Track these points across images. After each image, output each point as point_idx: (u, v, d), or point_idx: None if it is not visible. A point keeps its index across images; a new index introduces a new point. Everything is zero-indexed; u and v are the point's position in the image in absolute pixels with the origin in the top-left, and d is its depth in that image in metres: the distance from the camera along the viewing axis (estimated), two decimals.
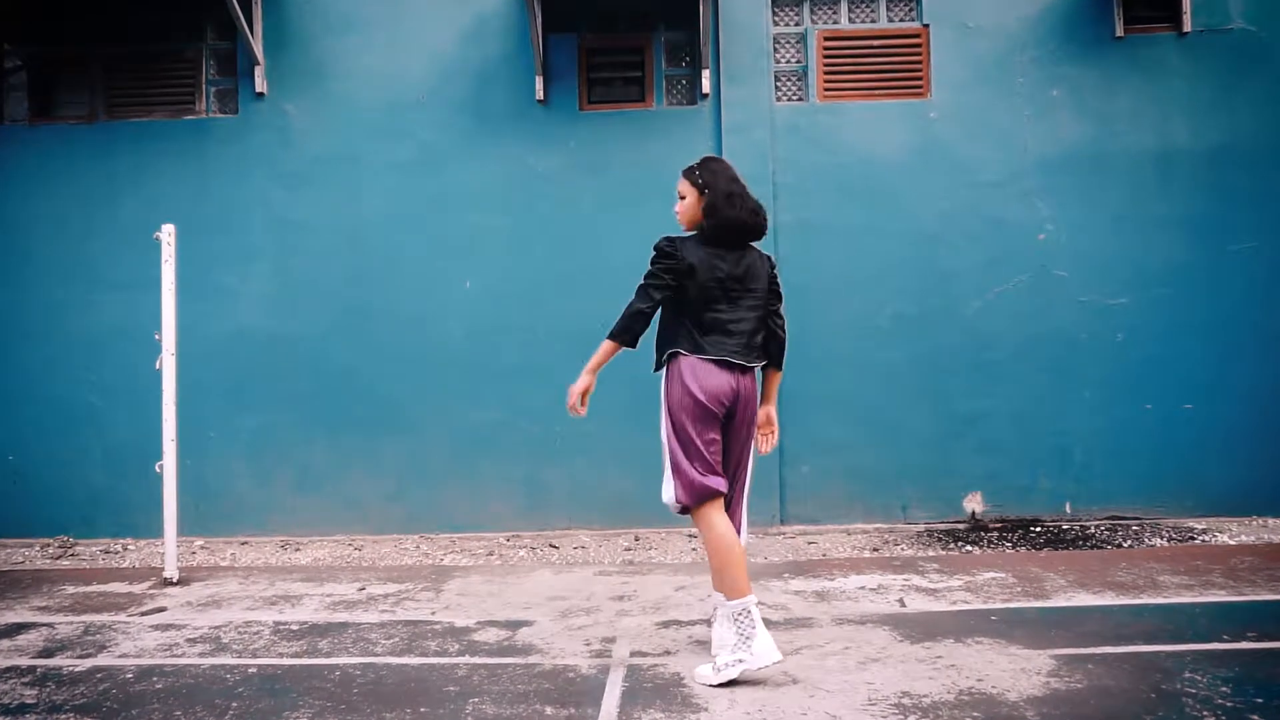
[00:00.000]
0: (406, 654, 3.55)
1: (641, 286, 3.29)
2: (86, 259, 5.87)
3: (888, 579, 4.45)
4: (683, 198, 3.38)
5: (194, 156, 5.89)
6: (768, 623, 3.60)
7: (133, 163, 5.89)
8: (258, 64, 5.82)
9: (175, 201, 5.83)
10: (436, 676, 3.28)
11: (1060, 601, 3.99)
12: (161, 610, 4.24)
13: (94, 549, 5.69)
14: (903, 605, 4.01)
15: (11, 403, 5.87)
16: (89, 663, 3.52)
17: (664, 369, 3.37)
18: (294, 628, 3.93)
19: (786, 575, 4.57)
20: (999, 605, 3.95)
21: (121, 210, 5.82)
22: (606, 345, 3.32)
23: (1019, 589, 4.20)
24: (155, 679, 3.31)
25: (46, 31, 5.98)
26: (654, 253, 3.30)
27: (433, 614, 4.09)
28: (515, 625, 3.90)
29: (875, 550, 5.23)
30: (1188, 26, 5.62)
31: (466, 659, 3.47)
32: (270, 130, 5.88)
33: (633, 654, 3.48)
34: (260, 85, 5.85)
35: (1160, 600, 3.95)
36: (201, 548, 5.66)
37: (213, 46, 6.00)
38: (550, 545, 5.52)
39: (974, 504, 5.72)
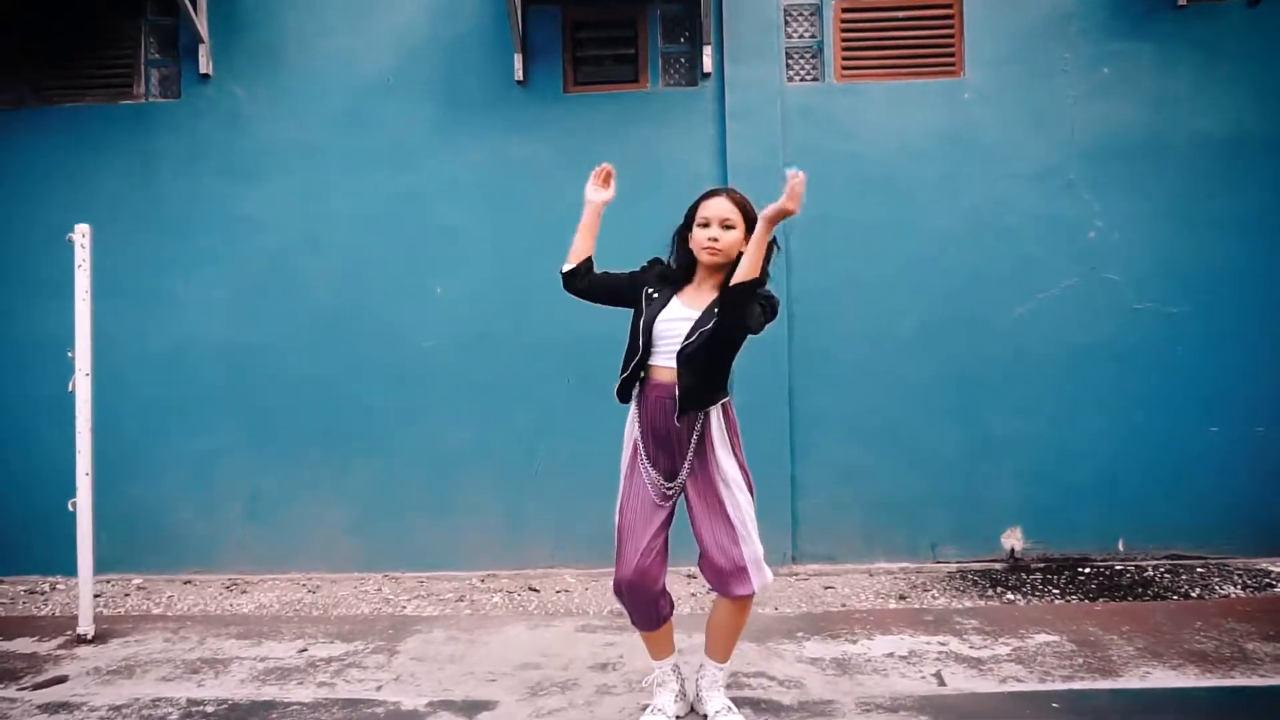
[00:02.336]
0: None
1: (759, 316, 2.79)
2: (13, 260, 5.21)
3: (920, 642, 3.76)
4: (730, 227, 2.82)
5: (133, 146, 5.22)
6: (776, 706, 2.97)
7: (64, 153, 5.22)
8: (202, 42, 5.15)
9: (112, 196, 5.19)
10: None
11: (1133, 680, 3.30)
12: (61, 681, 3.59)
13: (18, 588, 5.05)
14: (941, 683, 3.33)
15: None
16: None
17: (711, 416, 2.88)
18: (209, 710, 3.27)
19: (801, 634, 3.89)
20: (1060, 686, 3.26)
21: (51, 207, 5.15)
22: (754, 260, 2.66)
23: (1080, 660, 3.51)
24: None
25: None
26: (773, 309, 2.82)
27: (378, 689, 3.43)
28: (474, 709, 3.23)
29: (903, 598, 4.54)
30: None
31: None
32: (218, 116, 5.21)
33: None
34: (205, 66, 5.18)
35: (1258, 681, 3.25)
36: (139, 588, 5.01)
37: (153, 22, 5.33)
38: (530, 589, 4.85)
39: (1013, 540, 5.02)
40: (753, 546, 2.84)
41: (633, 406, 2.99)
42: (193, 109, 5.22)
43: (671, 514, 2.95)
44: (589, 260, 3.07)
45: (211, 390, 5.18)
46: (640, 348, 2.87)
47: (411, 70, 5.17)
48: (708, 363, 2.80)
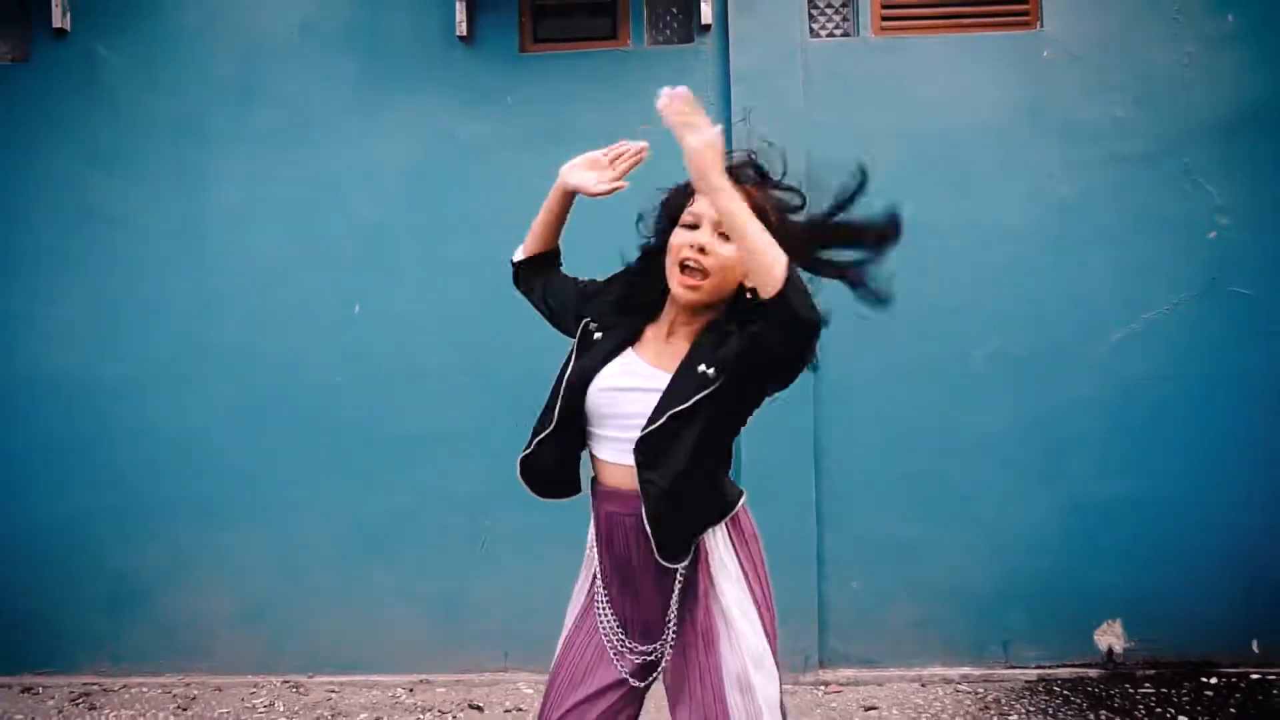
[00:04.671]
0: None
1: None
2: None
3: None
4: (729, 237, 1.67)
5: None
6: None
7: None
8: None
9: None
10: None
11: None
12: None
13: None
14: None
15: None
16: None
17: (718, 531, 1.71)
18: None
19: None
20: None
21: None
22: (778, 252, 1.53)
23: None
24: None
25: None
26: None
27: None
28: None
29: None
30: None
31: None
32: (74, 83, 4.04)
33: None
34: (60, 19, 3.99)
35: None
36: None
37: None
38: (471, 705, 3.64)
39: (1111, 638, 3.80)
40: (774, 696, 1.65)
41: (590, 508, 1.81)
42: (44, 74, 4.05)
43: (638, 699, 1.77)
44: (555, 252, 1.97)
45: (65, 438, 4.00)
46: (556, 418, 1.72)
47: (323, 23, 4.00)
48: (692, 462, 1.60)
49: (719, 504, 1.70)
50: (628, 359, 1.73)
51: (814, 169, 3.84)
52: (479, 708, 3.62)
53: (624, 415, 1.67)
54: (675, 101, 1.50)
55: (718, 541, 1.69)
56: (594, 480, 1.80)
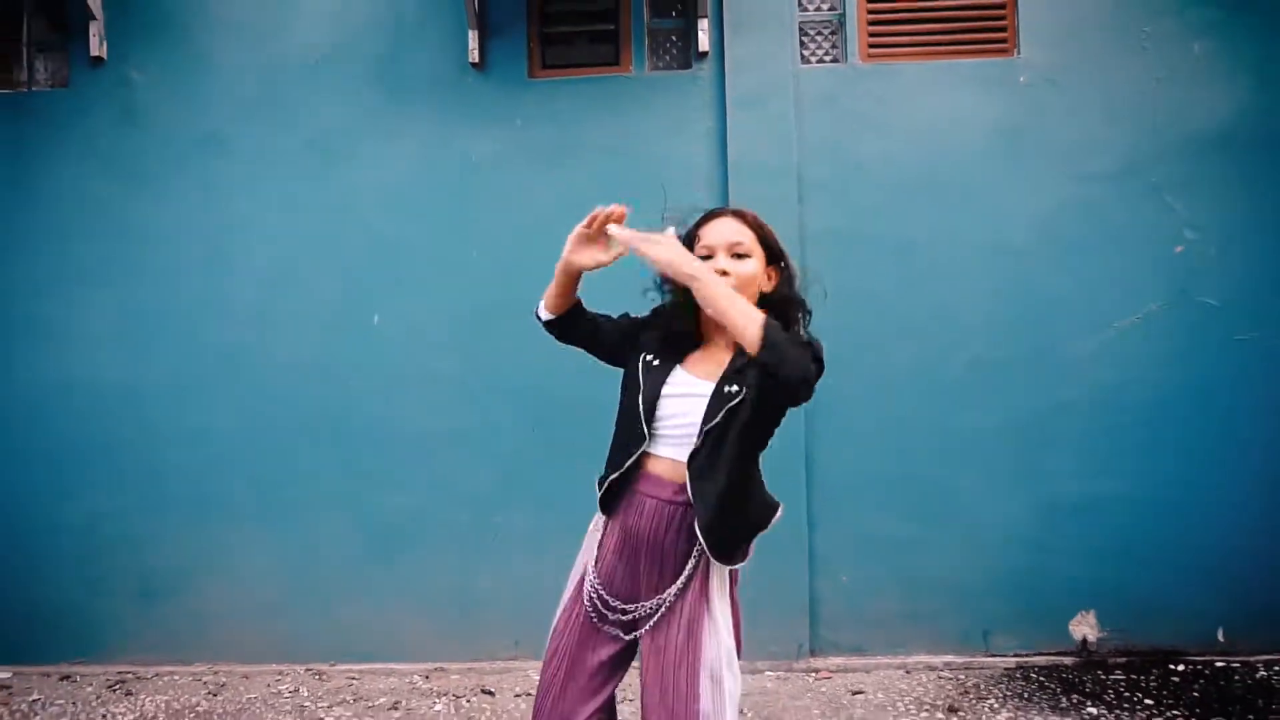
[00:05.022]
0: None
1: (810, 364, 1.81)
2: None
3: None
4: (742, 255, 1.95)
5: (11, 142, 4.31)
6: None
7: None
8: (94, 19, 4.24)
9: None
10: None
11: None
12: None
13: None
14: None
15: None
16: None
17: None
18: None
19: None
20: None
21: None
22: (738, 303, 1.79)
23: None
24: None
25: None
26: (817, 356, 1.86)
27: None
28: None
29: (954, 711, 3.55)
30: None
31: None
32: (110, 107, 4.29)
33: None
34: (97, 48, 4.26)
35: None
36: (2, 686, 4.05)
37: None
38: (483, 690, 3.88)
39: (1085, 628, 4.03)
40: None
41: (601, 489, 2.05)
42: (82, 99, 4.31)
43: (618, 665, 2.00)
44: (578, 306, 2.12)
45: (98, 441, 4.24)
46: (643, 435, 1.94)
47: (343, 50, 4.25)
48: (739, 454, 1.86)
49: (762, 511, 1.95)
50: (678, 376, 1.95)
51: (805, 187, 4.11)
52: (491, 693, 3.85)
53: (671, 416, 1.91)
54: (622, 233, 1.80)
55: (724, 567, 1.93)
56: (637, 472, 1.97)
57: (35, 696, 3.92)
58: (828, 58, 4.25)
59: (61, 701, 3.87)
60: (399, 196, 4.22)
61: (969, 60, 4.15)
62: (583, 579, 2.03)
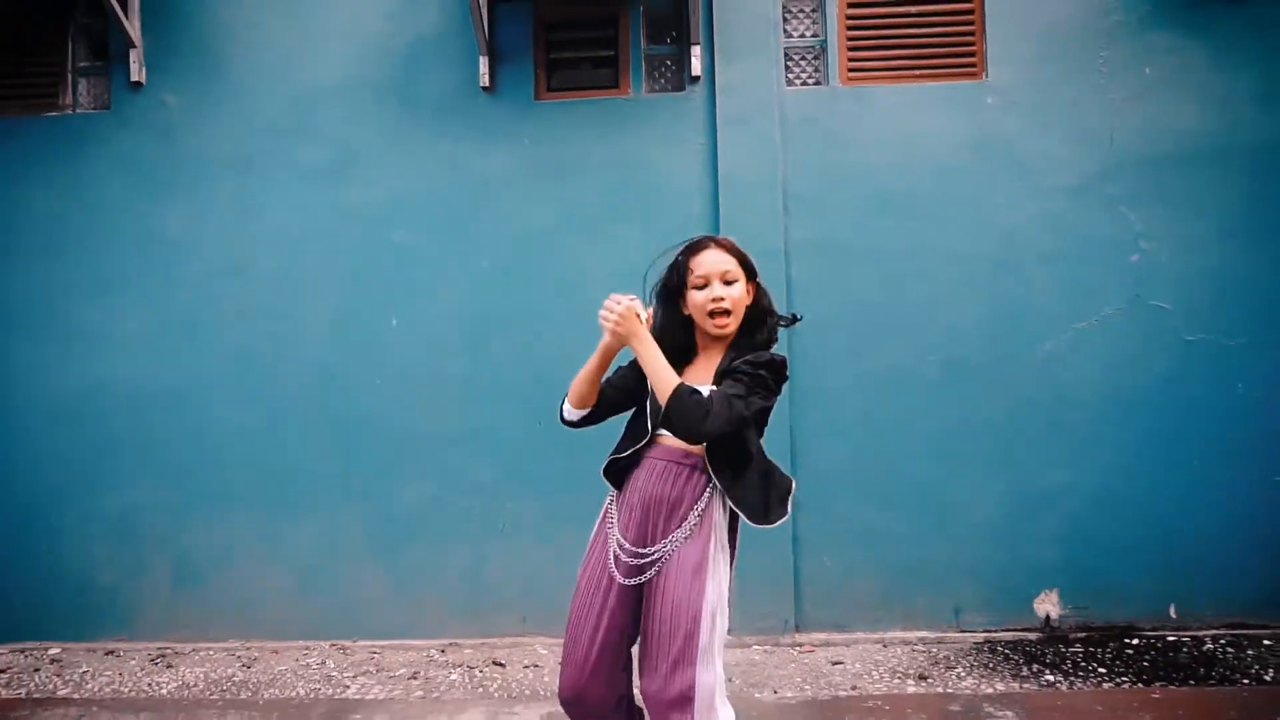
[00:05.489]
0: None
1: (753, 388, 2.21)
2: None
3: None
4: (731, 281, 2.34)
5: (53, 162, 4.67)
6: None
7: None
8: (133, 47, 4.61)
9: (22, 217, 4.66)
10: None
11: None
12: None
13: None
14: None
15: None
16: None
17: (716, 513, 2.33)
18: None
19: None
20: None
21: None
22: (664, 376, 2.21)
23: None
24: None
25: None
26: (777, 373, 2.26)
27: None
28: None
29: (923, 678, 3.90)
30: None
31: None
32: (146, 128, 4.66)
33: None
34: (136, 73, 4.63)
35: None
36: (53, 659, 4.41)
37: (82, 26, 4.80)
38: (494, 663, 4.23)
39: (1049, 606, 4.37)
40: (712, 675, 2.21)
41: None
42: (121, 120, 4.68)
43: (633, 612, 2.34)
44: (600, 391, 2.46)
45: (134, 437, 4.60)
46: (648, 430, 2.34)
47: (362, 74, 4.61)
48: (740, 456, 2.29)
49: (780, 482, 2.33)
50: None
51: (789, 200, 4.45)
52: (501, 664, 4.20)
53: None
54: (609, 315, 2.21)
55: (723, 512, 2.29)
56: (647, 443, 2.35)
57: (84, 669, 4.28)
58: (810, 81, 4.60)
59: (109, 673, 4.23)
60: (414, 209, 4.57)
61: (940, 83, 4.50)
62: (599, 541, 2.39)
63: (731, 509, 2.30)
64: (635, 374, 2.43)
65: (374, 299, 4.57)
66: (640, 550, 2.29)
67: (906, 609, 4.40)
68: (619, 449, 2.39)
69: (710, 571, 2.24)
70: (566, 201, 4.51)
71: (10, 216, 4.62)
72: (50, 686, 4.09)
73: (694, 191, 4.46)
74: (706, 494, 2.27)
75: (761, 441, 2.36)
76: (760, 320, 2.37)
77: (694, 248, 2.36)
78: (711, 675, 2.18)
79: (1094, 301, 4.38)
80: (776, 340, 2.38)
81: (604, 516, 2.42)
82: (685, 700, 2.16)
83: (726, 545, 2.32)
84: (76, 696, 3.96)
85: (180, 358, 4.59)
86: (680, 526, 2.26)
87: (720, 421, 2.11)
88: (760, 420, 2.35)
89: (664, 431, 2.31)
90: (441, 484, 4.51)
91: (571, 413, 2.44)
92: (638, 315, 2.22)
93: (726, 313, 2.29)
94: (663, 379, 2.18)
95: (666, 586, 2.24)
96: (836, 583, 4.42)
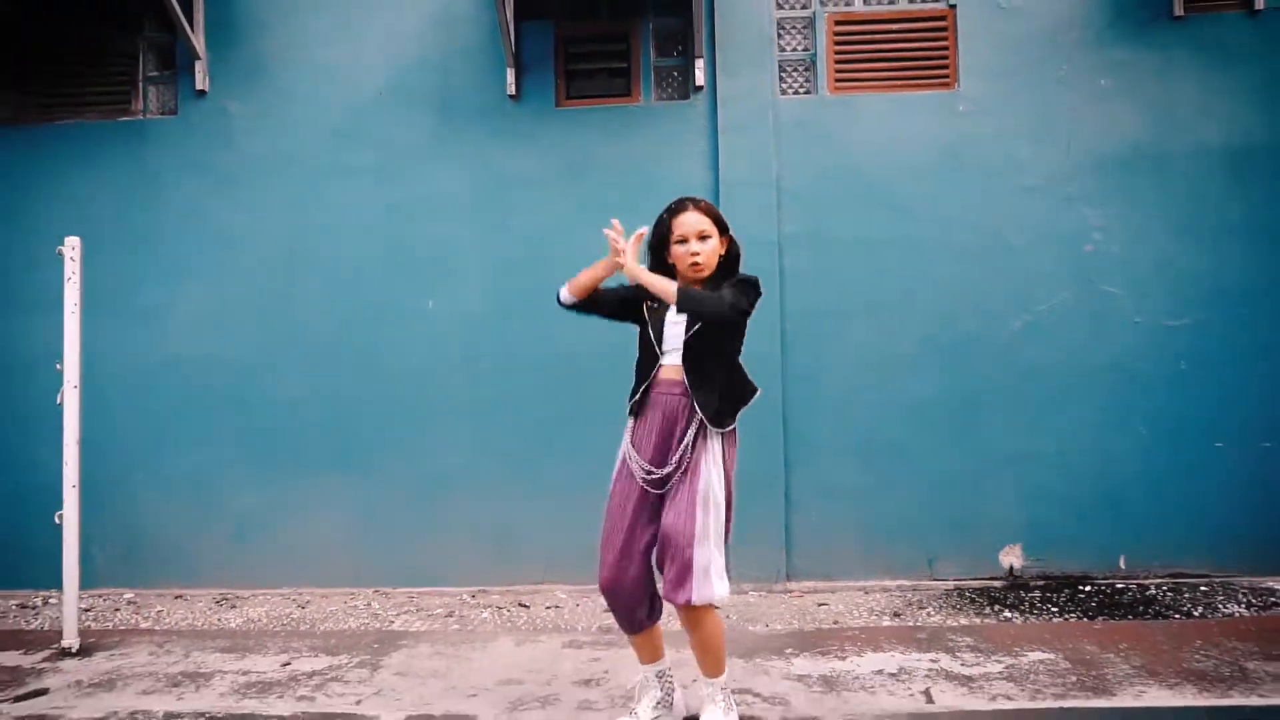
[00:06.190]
0: None
1: (741, 296, 2.82)
2: (9, 276, 5.24)
3: (911, 659, 3.68)
4: (705, 237, 2.88)
5: (127, 162, 5.25)
6: None
7: (59, 169, 5.26)
8: (198, 59, 5.18)
9: (107, 212, 5.22)
10: None
11: (1128, 699, 3.20)
12: (41, 694, 3.55)
13: (10, 602, 5.03)
14: (929, 700, 3.25)
15: None
16: None
17: (718, 433, 2.88)
18: None
19: (790, 651, 3.81)
20: (1050, 704, 3.17)
21: (41, 222, 5.17)
22: (663, 284, 2.81)
23: (1074, 678, 3.42)
24: None
25: None
26: (754, 287, 2.86)
27: (358, 703, 3.38)
28: None
29: (897, 615, 4.45)
30: (1260, 4, 4.85)
31: None
32: (209, 131, 5.23)
33: None
34: (201, 82, 5.21)
35: (1256, 700, 3.15)
36: (129, 602, 4.98)
37: (151, 39, 5.37)
38: (519, 604, 4.79)
39: (1012, 558, 4.92)
40: (707, 553, 2.77)
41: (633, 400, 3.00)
42: (187, 125, 5.25)
43: (655, 519, 2.89)
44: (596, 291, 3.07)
45: (199, 406, 5.17)
46: (656, 353, 2.92)
47: (404, 84, 5.18)
48: (713, 364, 2.86)
49: (742, 389, 2.91)
50: (670, 313, 2.90)
51: (782, 196, 5.00)
52: (526, 605, 4.76)
53: (671, 337, 2.89)
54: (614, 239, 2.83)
55: (717, 437, 2.85)
56: (652, 379, 2.92)
57: (158, 609, 4.85)
58: (802, 90, 5.15)
59: (181, 611, 4.80)
60: (449, 205, 5.13)
61: (917, 92, 5.05)
62: (624, 459, 2.96)
63: (727, 436, 2.87)
64: (632, 291, 3.00)
65: (413, 283, 5.13)
66: (654, 469, 2.86)
67: (885, 560, 4.95)
68: (639, 377, 2.97)
69: (703, 471, 2.81)
70: (583, 198, 5.07)
71: (91, 211, 5.18)
72: (132, 621, 4.66)
73: (697, 189, 4.99)
74: (701, 420, 2.83)
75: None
76: (732, 267, 2.97)
77: (675, 209, 2.92)
78: (707, 554, 2.75)
79: (1052, 287, 4.93)
80: (738, 271, 2.98)
81: (626, 439, 2.99)
82: (685, 570, 2.73)
83: (720, 454, 2.84)
84: (157, 628, 4.53)
85: (241, 336, 5.15)
86: (682, 443, 2.82)
87: (740, 300, 2.73)
88: (741, 324, 2.90)
89: (664, 363, 2.88)
90: (473, 449, 5.07)
91: (567, 297, 3.05)
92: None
93: (700, 264, 2.87)
94: (664, 287, 2.77)
95: (674, 490, 2.81)
96: (822, 537, 4.96)
